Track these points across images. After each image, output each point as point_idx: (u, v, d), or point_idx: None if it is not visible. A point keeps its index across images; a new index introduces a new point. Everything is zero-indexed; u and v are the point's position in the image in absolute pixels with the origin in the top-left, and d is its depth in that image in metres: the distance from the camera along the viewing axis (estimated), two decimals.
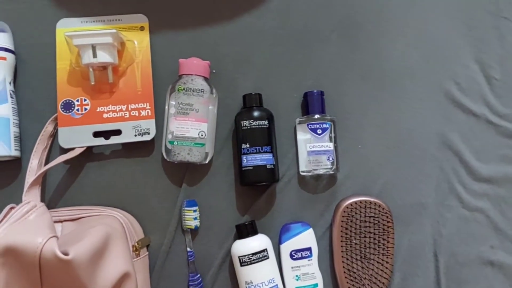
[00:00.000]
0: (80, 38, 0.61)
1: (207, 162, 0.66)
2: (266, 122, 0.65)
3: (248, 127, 0.65)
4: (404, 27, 0.73)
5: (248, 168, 0.64)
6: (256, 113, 0.65)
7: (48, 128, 0.65)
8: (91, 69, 0.64)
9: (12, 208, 0.57)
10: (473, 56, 0.73)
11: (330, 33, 0.72)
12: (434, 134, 0.71)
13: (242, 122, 0.65)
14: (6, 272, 0.51)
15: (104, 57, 0.62)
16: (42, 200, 0.65)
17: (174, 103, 0.64)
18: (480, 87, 0.72)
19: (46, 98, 0.67)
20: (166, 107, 0.65)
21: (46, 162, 0.65)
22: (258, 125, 0.65)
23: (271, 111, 0.67)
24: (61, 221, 0.62)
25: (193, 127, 0.63)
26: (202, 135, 0.64)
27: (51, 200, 0.66)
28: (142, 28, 0.68)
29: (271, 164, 0.64)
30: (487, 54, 0.73)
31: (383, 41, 0.72)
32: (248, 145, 0.64)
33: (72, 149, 0.64)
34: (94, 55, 0.62)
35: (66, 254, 0.51)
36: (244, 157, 0.64)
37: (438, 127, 0.71)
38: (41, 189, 0.62)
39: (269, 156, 0.64)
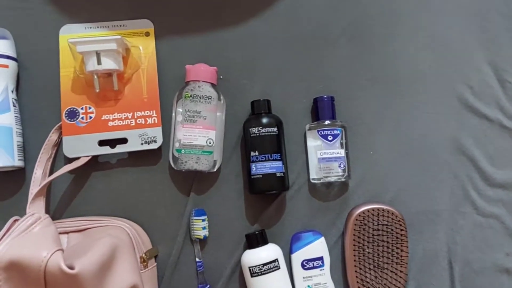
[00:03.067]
0: (84, 45, 0.60)
1: (215, 170, 0.64)
2: (275, 129, 0.64)
3: (257, 134, 0.63)
4: (416, 30, 0.71)
5: (257, 176, 0.62)
6: (265, 120, 0.64)
7: (52, 137, 0.63)
8: (95, 76, 0.62)
9: (16, 220, 0.55)
10: (486, 59, 0.71)
11: (340, 37, 0.70)
12: (447, 140, 0.69)
13: (250, 129, 0.63)
14: (10, 287, 0.49)
15: (108, 64, 0.61)
16: (47, 211, 0.63)
17: (181, 110, 0.62)
18: (493, 91, 0.71)
19: (50, 106, 0.65)
20: (173, 114, 0.63)
21: (51, 172, 0.64)
22: (267, 132, 0.63)
23: (280, 118, 0.65)
24: (66, 233, 0.60)
25: (200, 134, 0.62)
26: (210, 143, 0.62)
27: (56, 211, 0.64)
28: (147, 34, 0.67)
29: (281, 172, 0.63)
30: (500, 57, 0.71)
31: (394, 44, 0.71)
32: (257, 153, 0.63)
33: (77, 158, 0.63)
34: (99, 62, 0.60)
35: (71, 268, 0.49)
36: (253, 165, 0.63)
37: (451, 132, 0.69)
38: (45, 200, 0.61)
39: (278, 163, 0.63)
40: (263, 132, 0.63)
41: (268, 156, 0.63)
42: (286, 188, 0.64)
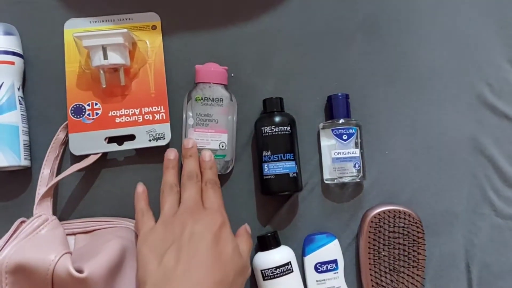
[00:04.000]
0: (89, 39, 0.58)
1: (228, 172, 0.62)
2: (288, 128, 0.62)
3: (269, 134, 0.61)
4: (433, 26, 0.69)
5: (269, 176, 0.61)
6: (277, 119, 0.62)
7: (60, 135, 0.62)
8: (102, 71, 0.60)
9: (22, 222, 0.53)
10: (506, 56, 0.69)
11: (354, 33, 0.68)
12: (465, 139, 0.67)
13: (262, 128, 0.62)
14: None
15: (115, 58, 0.59)
16: (54, 211, 0.62)
17: (192, 113, 0.60)
18: None
19: (56, 103, 0.63)
20: (184, 116, 0.61)
21: (58, 171, 0.62)
22: (280, 131, 0.61)
23: (293, 116, 0.63)
24: (74, 234, 0.58)
25: (213, 138, 0.60)
26: (222, 146, 0.60)
27: (64, 211, 0.63)
28: (154, 27, 0.65)
29: (294, 173, 0.61)
30: None
31: (411, 40, 0.68)
32: (269, 153, 0.61)
33: (84, 156, 0.61)
34: (105, 57, 0.58)
35: (80, 271, 0.48)
36: (266, 165, 0.61)
37: (469, 131, 0.67)
38: (52, 200, 0.59)
39: (291, 164, 0.61)
40: (275, 132, 0.61)
41: (281, 156, 0.61)
42: (300, 189, 0.62)
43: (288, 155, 0.61)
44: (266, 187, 0.61)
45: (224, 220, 0.54)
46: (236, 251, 0.53)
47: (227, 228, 0.54)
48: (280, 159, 0.60)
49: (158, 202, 0.63)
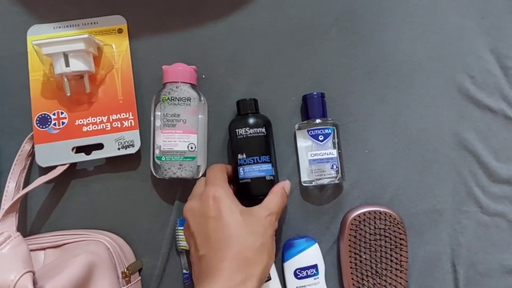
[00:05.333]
0: (49, 47, 0.56)
1: (199, 176, 0.60)
2: (263, 130, 0.59)
3: (244, 136, 0.59)
4: (411, 17, 0.66)
5: (246, 180, 0.58)
6: (252, 120, 0.59)
7: (26, 147, 0.60)
8: (65, 79, 0.58)
9: None
10: (488, 46, 0.66)
11: (329, 28, 0.65)
12: (448, 134, 0.65)
13: (237, 130, 0.59)
14: None
15: (78, 65, 0.57)
16: (23, 225, 0.60)
17: (159, 114, 0.58)
18: (496, 79, 0.66)
19: (22, 114, 0.61)
20: (152, 119, 0.59)
21: (26, 184, 0.60)
22: (255, 133, 0.59)
23: (268, 118, 0.61)
24: (43, 249, 0.57)
25: (181, 139, 0.58)
26: (192, 148, 0.58)
27: (34, 225, 0.61)
28: (120, 31, 0.62)
29: (270, 175, 0.59)
30: (503, 43, 0.66)
31: (388, 33, 0.66)
32: (244, 156, 0.59)
33: (52, 167, 0.59)
34: (67, 64, 0.56)
35: None
36: (241, 168, 0.59)
37: (452, 126, 0.65)
38: (22, 213, 0.58)
39: (268, 166, 0.59)
40: (250, 134, 0.59)
41: (256, 159, 0.58)
42: None
43: (264, 158, 0.59)
44: (242, 191, 0.59)
45: None
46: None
47: None
48: (255, 161, 0.58)
49: (130, 214, 0.61)
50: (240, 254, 0.48)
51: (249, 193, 0.59)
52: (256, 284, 0.48)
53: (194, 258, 0.52)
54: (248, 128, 0.59)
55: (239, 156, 0.59)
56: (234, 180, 0.60)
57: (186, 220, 0.53)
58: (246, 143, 0.59)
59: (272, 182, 0.59)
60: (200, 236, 0.51)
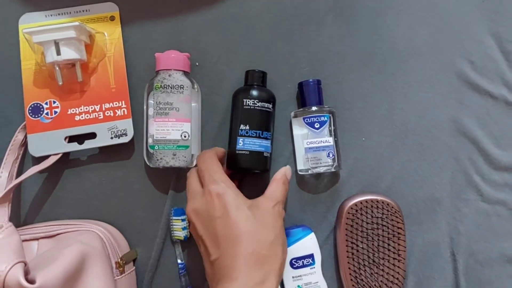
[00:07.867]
0: (39, 35, 0.55)
1: (194, 165, 0.59)
2: (270, 106, 0.58)
3: (251, 107, 0.57)
4: (409, 1, 0.64)
5: (243, 152, 0.57)
6: (262, 93, 0.58)
7: (18, 136, 0.59)
8: (57, 68, 0.57)
9: None
10: (488, 30, 0.64)
11: (325, 14, 0.64)
12: (447, 121, 0.63)
13: (245, 100, 0.58)
14: None
15: (69, 53, 0.56)
16: (17, 215, 0.60)
17: (152, 102, 0.57)
18: (497, 65, 0.64)
19: (15, 103, 0.61)
20: (145, 107, 0.58)
21: (19, 174, 0.60)
22: (263, 107, 0.58)
23: (274, 95, 0.60)
24: (37, 239, 0.56)
25: (174, 128, 0.57)
26: (185, 136, 0.57)
27: (28, 215, 0.61)
28: (112, 18, 0.61)
29: (268, 152, 0.58)
30: (504, 27, 0.64)
31: (385, 19, 0.64)
32: (247, 127, 0.57)
33: (45, 157, 0.59)
34: (58, 52, 0.55)
35: (32, 282, 0.46)
36: (241, 139, 0.57)
37: (451, 112, 0.63)
38: (16, 203, 0.57)
39: (267, 143, 0.58)
40: (258, 106, 0.58)
41: (259, 133, 0.57)
42: (268, 169, 0.60)
43: (266, 134, 0.58)
44: (236, 162, 0.57)
45: None
46: None
47: None
48: (258, 136, 0.57)
49: (124, 204, 0.61)
50: (254, 251, 0.47)
51: (244, 165, 0.57)
52: (275, 280, 0.47)
53: (206, 263, 0.50)
54: (256, 100, 0.58)
55: (242, 127, 0.57)
56: (228, 148, 0.59)
57: (191, 223, 0.52)
58: (252, 115, 0.58)
59: (268, 160, 0.58)
60: (209, 239, 0.49)
